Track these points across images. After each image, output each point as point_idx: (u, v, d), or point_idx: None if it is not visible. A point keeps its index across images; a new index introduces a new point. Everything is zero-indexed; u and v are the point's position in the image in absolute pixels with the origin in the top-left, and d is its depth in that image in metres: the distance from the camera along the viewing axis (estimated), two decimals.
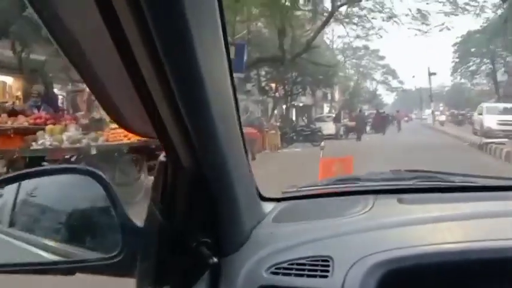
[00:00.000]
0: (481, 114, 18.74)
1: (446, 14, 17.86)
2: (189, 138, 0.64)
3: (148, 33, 0.52)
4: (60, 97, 11.22)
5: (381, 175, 1.24)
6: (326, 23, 15.94)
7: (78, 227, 0.79)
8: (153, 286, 0.73)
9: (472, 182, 1.12)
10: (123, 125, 0.79)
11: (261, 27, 17.60)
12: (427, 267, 0.72)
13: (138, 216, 0.78)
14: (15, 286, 1.29)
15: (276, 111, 23.04)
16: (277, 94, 21.72)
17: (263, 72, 21.18)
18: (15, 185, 0.77)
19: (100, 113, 7.15)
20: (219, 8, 0.60)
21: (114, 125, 7.15)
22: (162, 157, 0.75)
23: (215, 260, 0.72)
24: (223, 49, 0.63)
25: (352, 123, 23.15)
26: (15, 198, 0.78)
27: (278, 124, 19.99)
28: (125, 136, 6.55)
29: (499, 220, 0.82)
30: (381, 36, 23.22)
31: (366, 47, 35.69)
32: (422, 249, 0.73)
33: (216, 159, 0.69)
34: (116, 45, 0.54)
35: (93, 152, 6.11)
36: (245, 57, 12.42)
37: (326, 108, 34.62)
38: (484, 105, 19.58)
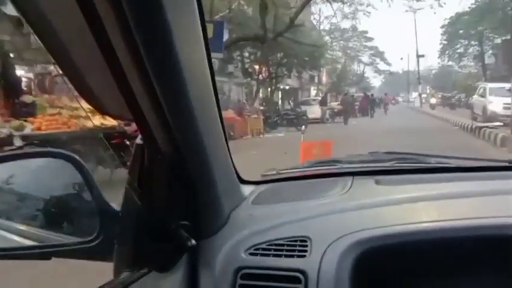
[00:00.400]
0: (483, 96, 16.18)
1: None
2: (166, 121, 0.65)
3: (122, 14, 0.53)
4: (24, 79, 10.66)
5: (359, 157, 1.29)
6: None
7: (54, 212, 0.80)
8: (131, 270, 0.74)
9: (447, 163, 1.17)
10: (97, 107, 0.78)
11: (243, 5, 17.30)
12: (403, 246, 0.75)
13: (115, 199, 0.79)
14: None
15: (260, 95, 22.94)
16: (260, 76, 21.53)
17: (246, 54, 20.94)
18: None
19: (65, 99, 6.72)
20: None
21: (53, 111, 6.65)
22: (138, 140, 0.76)
23: (193, 242, 0.74)
24: (200, 29, 0.64)
25: (339, 107, 23.32)
26: None
27: (262, 108, 19.91)
28: (64, 124, 6.05)
29: (473, 199, 0.86)
30: (369, 13, 23.21)
31: (353, 28, 35.73)
32: (399, 228, 0.76)
33: (193, 142, 0.70)
34: (90, 27, 0.55)
35: (18, 143, 5.62)
36: (225, 37, 12.10)
37: (313, 92, 34.69)
38: (488, 85, 16.72)
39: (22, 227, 0.80)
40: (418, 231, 0.76)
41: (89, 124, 6.15)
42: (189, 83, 0.63)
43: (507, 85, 14.64)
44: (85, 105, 0.73)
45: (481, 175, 1.06)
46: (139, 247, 0.76)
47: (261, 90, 23.13)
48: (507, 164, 1.14)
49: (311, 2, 19.22)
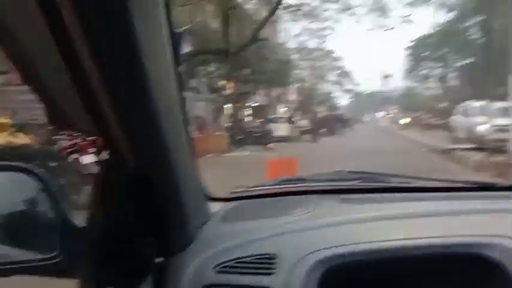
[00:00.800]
0: (466, 116, 14.48)
1: (408, 4, 18.67)
2: (132, 135, 0.67)
3: (88, 26, 0.53)
4: None
5: (324, 176, 1.35)
6: (273, 11, 15.54)
7: (14, 227, 0.81)
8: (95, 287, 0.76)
9: (409, 183, 1.25)
10: (60, 122, 0.81)
11: (207, 19, 17.38)
12: (366, 264, 0.81)
13: (78, 215, 0.81)
14: None
15: (230, 111, 22.93)
16: (226, 92, 21.63)
17: (212, 68, 21.00)
18: None
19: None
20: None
21: None
22: (103, 155, 0.77)
23: (160, 260, 0.77)
24: (167, 39, 0.65)
25: (306, 125, 23.85)
26: None
27: (226, 125, 19.79)
28: None
29: (431, 219, 0.92)
30: (333, 30, 23.89)
31: (321, 49, 36.80)
32: (363, 246, 0.81)
33: (160, 157, 0.71)
34: (55, 40, 0.56)
35: None
36: (185, 49, 12.10)
37: (282, 109, 35.20)
38: (473, 104, 14.98)
39: None
40: (381, 249, 0.81)
41: None
42: (155, 98, 0.64)
43: (495, 104, 13.58)
44: None
45: (439, 195, 1.12)
46: (103, 265, 0.77)
47: (229, 107, 23.15)
48: (463, 185, 1.22)
49: (278, 19, 19.68)
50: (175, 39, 0.69)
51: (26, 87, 0.69)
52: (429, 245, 0.83)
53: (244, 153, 15.65)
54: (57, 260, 0.77)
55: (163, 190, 0.76)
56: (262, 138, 17.81)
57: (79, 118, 0.71)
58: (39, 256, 0.78)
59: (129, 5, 0.53)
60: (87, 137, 0.89)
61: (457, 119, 15.79)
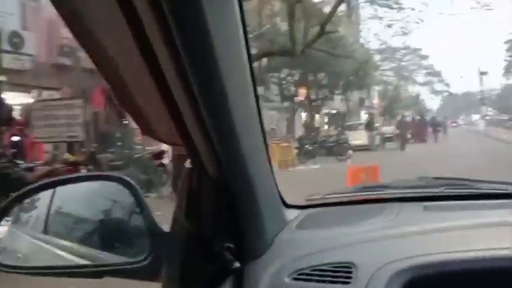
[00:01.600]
0: None
1: None
2: (213, 145, 0.74)
3: (171, 38, 0.60)
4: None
5: (407, 182, 1.34)
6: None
7: (107, 232, 0.93)
8: None
9: (500, 190, 1.19)
10: (150, 133, 0.92)
11: (277, 23, 17.22)
12: (451, 275, 0.79)
13: (165, 221, 0.91)
14: None
15: (302, 121, 22.63)
16: (298, 99, 21.24)
17: (283, 75, 21.00)
18: (50, 191, 0.94)
19: None
20: (240, 9, 0.68)
21: None
22: (187, 163, 0.87)
23: (238, 265, 0.82)
24: (243, 46, 0.71)
25: (391, 131, 22.83)
26: (50, 204, 0.94)
27: (295, 136, 19.06)
28: None
29: None
30: (422, 21, 22.43)
31: (406, 46, 35.48)
32: (446, 256, 0.80)
33: (238, 166, 0.79)
34: (141, 53, 0.64)
35: None
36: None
37: (364, 116, 34.10)
38: None
39: (78, 246, 0.93)
40: (466, 260, 0.80)
41: None
42: (235, 109, 0.71)
43: None
44: None
45: None
46: (186, 268, 0.85)
47: (303, 115, 22.88)
48: None
49: (360, 19, 18.94)
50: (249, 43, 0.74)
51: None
52: None
53: (314, 166, 14.89)
54: (144, 263, 0.86)
55: (242, 197, 0.83)
56: (336, 148, 17.05)
57: (166, 129, 0.80)
58: (129, 260, 0.89)
59: (204, 6, 0.60)
60: (170, 145, 1.00)
61: None
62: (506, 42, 33.10)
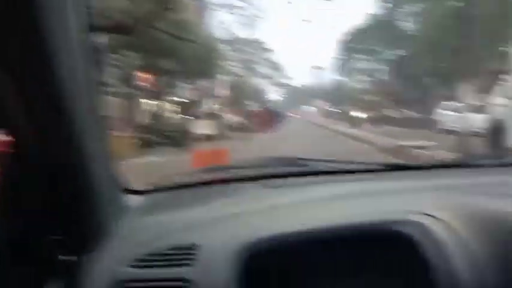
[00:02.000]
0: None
1: None
2: (40, 124, 0.69)
3: None
4: None
5: (249, 162, 1.44)
6: None
7: None
8: None
9: (333, 168, 1.34)
10: None
11: None
12: (290, 248, 0.86)
13: None
14: None
15: (146, 109, 21.62)
16: (141, 84, 20.24)
17: (125, 58, 19.59)
18: None
19: None
20: None
21: None
22: (8, 147, 0.75)
23: (72, 258, 0.79)
24: (78, 24, 0.69)
25: (237, 121, 23.30)
26: None
27: (138, 125, 17.54)
28: None
29: (349, 201, 1.02)
30: (262, 18, 23.84)
31: (253, 40, 36.95)
32: (285, 230, 0.87)
33: (71, 147, 0.74)
34: None
35: None
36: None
37: (211, 105, 34.48)
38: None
39: None
40: (303, 232, 0.87)
41: None
42: (67, 83, 0.67)
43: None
44: None
45: (363, 177, 1.25)
46: (9, 267, 0.75)
47: (146, 103, 21.82)
48: (378, 167, 1.33)
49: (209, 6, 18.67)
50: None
51: None
52: (348, 225, 0.89)
53: (153, 158, 12.76)
54: None
55: (76, 183, 0.78)
56: (177, 138, 15.78)
57: None
58: None
59: None
60: None
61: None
62: (338, 42, 36.98)
